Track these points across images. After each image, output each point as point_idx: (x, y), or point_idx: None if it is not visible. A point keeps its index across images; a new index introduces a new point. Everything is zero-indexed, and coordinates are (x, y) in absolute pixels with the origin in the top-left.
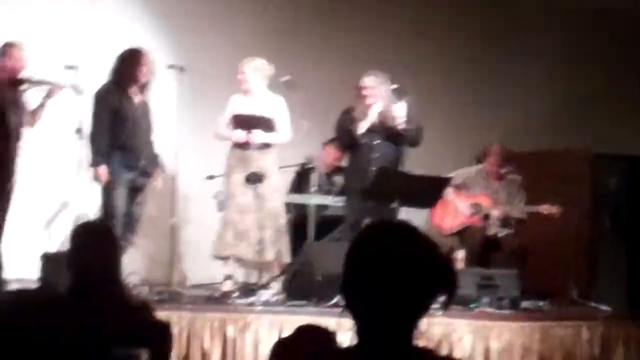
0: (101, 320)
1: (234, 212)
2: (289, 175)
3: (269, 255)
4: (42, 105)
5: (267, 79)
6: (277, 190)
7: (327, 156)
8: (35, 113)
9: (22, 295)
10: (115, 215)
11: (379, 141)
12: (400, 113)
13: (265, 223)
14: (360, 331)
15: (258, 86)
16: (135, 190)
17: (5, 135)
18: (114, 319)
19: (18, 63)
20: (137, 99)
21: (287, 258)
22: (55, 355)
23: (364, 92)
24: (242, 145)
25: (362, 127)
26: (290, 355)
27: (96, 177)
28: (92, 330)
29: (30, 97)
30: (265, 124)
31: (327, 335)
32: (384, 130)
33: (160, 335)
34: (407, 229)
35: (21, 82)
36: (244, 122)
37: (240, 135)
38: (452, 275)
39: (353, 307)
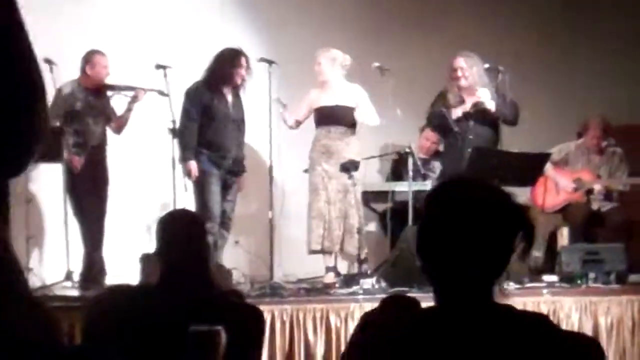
0: (189, 304)
1: (322, 205)
2: (387, 163)
3: (359, 244)
4: (128, 111)
5: (344, 69)
6: (361, 179)
7: (426, 141)
8: (121, 119)
9: (117, 287)
10: (212, 210)
11: (473, 123)
12: (484, 97)
13: (350, 212)
14: (439, 291)
15: (335, 77)
16: (225, 188)
17: (84, 144)
18: (203, 303)
19: (101, 71)
20: (229, 98)
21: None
22: (142, 337)
23: (457, 74)
24: (325, 137)
25: (457, 112)
26: (374, 323)
27: (186, 173)
28: (179, 314)
29: (117, 103)
30: (346, 115)
31: (410, 302)
32: (477, 112)
33: (252, 318)
34: (478, 182)
35: (105, 89)
36: (324, 115)
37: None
38: (528, 222)
39: (431, 267)
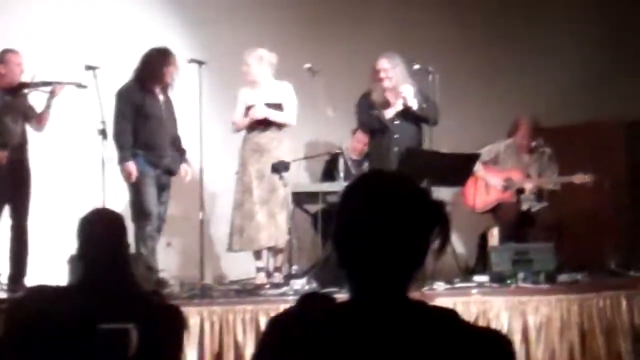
0: (106, 304)
1: (253, 204)
2: (319, 164)
3: (289, 242)
4: (48, 107)
5: (272, 67)
6: (291, 180)
7: (357, 143)
8: (42, 115)
9: (36, 288)
10: (149, 211)
11: (398, 122)
12: (408, 94)
13: (276, 210)
14: (354, 285)
15: (264, 75)
16: (160, 189)
17: (4, 144)
18: (120, 303)
19: (14, 69)
20: (161, 97)
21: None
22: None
23: (381, 75)
24: (256, 136)
25: (388, 113)
26: (283, 320)
27: (125, 175)
28: (94, 314)
29: (37, 101)
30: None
31: (327, 299)
32: (402, 111)
33: (170, 317)
34: (396, 176)
35: (21, 87)
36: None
37: (246, 120)
38: (445, 217)
39: (346, 260)
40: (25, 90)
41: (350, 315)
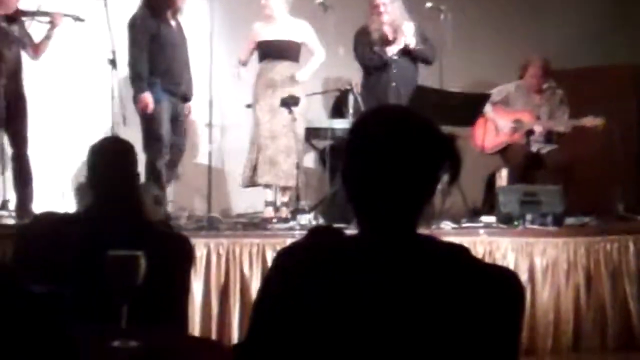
0: (114, 232)
1: (264, 139)
2: (329, 100)
3: (297, 179)
4: (47, 37)
5: (289, 4)
6: (303, 115)
7: None
8: (39, 45)
9: (44, 215)
10: (163, 142)
11: (396, 57)
12: (408, 32)
13: (293, 147)
14: (362, 220)
15: (280, 12)
16: (175, 117)
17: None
18: (128, 231)
19: None
20: (173, 23)
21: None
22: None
23: (380, 9)
24: (271, 70)
25: (390, 50)
26: (292, 253)
27: (142, 106)
28: (101, 241)
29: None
30: (292, 49)
31: (336, 232)
32: (401, 48)
33: (178, 246)
34: (405, 110)
35: (18, 14)
36: (269, 49)
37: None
38: (455, 152)
39: (354, 195)
40: (23, 19)
41: (359, 249)
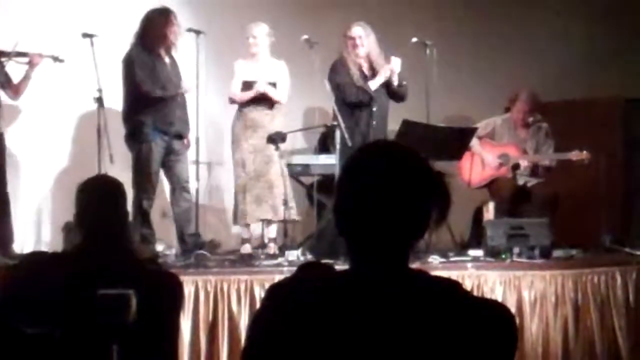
0: (103, 270)
1: (250, 179)
2: (314, 136)
3: (289, 214)
4: (26, 78)
5: (271, 44)
6: (287, 152)
7: None
8: (19, 85)
9: (32, 254)
10: (153, 181)
11: (376, 94)
12: (396, 67)
13: (276, 183)
14: (354, 254)
15: (264, 50)
16: (171, 154)
17: None
18: (117, 269)
19: None
20: (167, 60)
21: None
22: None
23: (356, 42)
24: (251, 111)
25: (374, 84)
26: (281, 288)
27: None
28: (90, 280)
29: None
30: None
31: (325, 268)
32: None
33: (168, 284)
34: (398, 146)
35: None
36: (251, 87)
37: (249, 94)
38: (444, 188)
39: (346, 230)
40: (2, 59)
41: (351, 284)
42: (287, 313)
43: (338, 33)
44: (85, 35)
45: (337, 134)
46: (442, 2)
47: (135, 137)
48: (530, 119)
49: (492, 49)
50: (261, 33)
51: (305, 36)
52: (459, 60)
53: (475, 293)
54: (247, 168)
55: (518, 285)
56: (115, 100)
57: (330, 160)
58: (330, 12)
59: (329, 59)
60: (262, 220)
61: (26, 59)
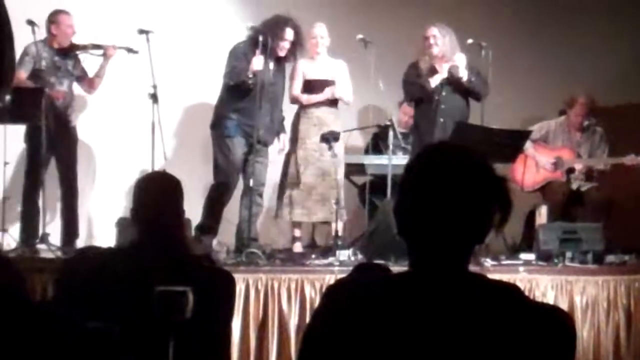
0: (159, 266)
1: (313, 176)
2: (368, 136)
3: (341, 214)
4: (101, 70)
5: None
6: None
7: (404, 115)
8: (94, 79)
9: (87, 249)
10: (230, 178)
11: (445, 93)
12: (460, 63)
13: (334, 183)
14: (414, 255)
15: (324, 50)
16: (250, 153)
17: (52, 104)
18: (173, 265)
19: (66, 30)
20: (272, 66)
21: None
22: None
23: (430, 41)
24: (316, 110)
25: (434, 81)
26: (340, 288)
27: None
28: (146, 276)
29: (91, 63)
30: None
31: (382, 269)
32: (451, 81)
33: (222, 281)
34: (461, 149)
35: (72, 48)
36: (318, 87)
37: (319, 97)
38: (507, 193)
39: (407, 230)
40: (77, 52)
41: (410, 286)
42: (348, 314)
43: (393, 32)
44: (141, 31)
45: (390, 134)
46: (498, 5)
47: (218, 129)
48: (585, 123)
49: (546, 51)
50: (324, 33)
51: (360, 35)
52: (514, 62)
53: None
54: (312, 165)
55: (570, 290)
56: (170, 97)
57: (382, 161)
58: (384, 11)
59: (384, 57)
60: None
61: (101, 51)
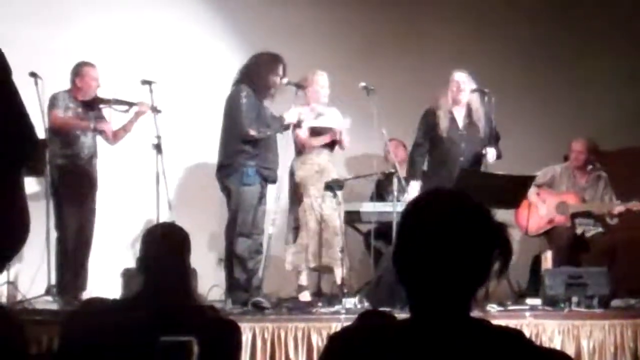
0: (164, 317)
1: (316, 223)
2: (371, 182)
3: (345, 261)
4: (128, 125)
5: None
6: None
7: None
8: (117, 132)
9: (92, 300)
10: (247, 228)
11: (464, 145)
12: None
13: (337, 230)
14: (414, 302)
15: (325, 100)
16: (260, 199)
17: (76, 155)
18: (178, 316)
19: (91, 82)
20: (266, 104)
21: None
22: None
23: (461, 86)
24: (316, 156)
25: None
26: (344, 336)
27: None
28: (152, 327)
29: (113, 115)
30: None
31: (386, 317)
32: (473, 130)
33: (228, 331)
34: (458, 195)
35: (97, 101)
36: (320, 135)
37: (323, 139)
38: (506, 239)
39: (406, 278)
40: (101, 106)
41: (413, 333)
42: None
43: (394, 80)
44: (144, 82)
45: (394, 181)
46: (501, 52)
47: (235, 178)
48: (589, 167)
49: (548, 97)
50: (326, 81)
51: (363, 83)
52: (517, 108)
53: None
54: (315, 212)
55: (577, 335)
56: (174, 147)
57: (386, 208)
58: (386, 59)
59: (386, 104)
60: (319, 269)
61: (125, 108)
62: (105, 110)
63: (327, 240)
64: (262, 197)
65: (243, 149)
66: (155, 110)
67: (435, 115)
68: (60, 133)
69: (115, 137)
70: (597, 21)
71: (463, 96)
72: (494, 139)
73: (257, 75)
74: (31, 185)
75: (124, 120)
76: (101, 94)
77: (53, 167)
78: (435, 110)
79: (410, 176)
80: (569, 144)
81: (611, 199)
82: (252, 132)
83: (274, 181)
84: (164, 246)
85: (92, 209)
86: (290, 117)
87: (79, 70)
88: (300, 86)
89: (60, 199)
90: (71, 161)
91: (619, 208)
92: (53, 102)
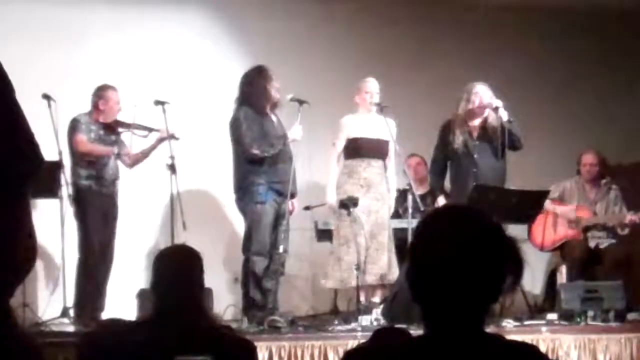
0: (179, 337)
1: (364, 239)
2: None
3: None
4: (149, 150)
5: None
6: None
7: (416, 171)
8: (136, 155)
9: (108, 321)
10: (264, 243)
11: (476, 155)
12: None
13: (384, 246)
14: (429, 320)
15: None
16: (280, 216)
17: (101, 177)
18: (193, 336)
19: (114, 106)
20: (274, 118)
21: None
22: None
23: (480, 98)
24: (364, 170)
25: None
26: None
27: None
28: (168, 347)
29: (132, 139)
30: (384, 147)
31: (402, 333)
32: (489, 141)
33: (243, 350)
34: (471, 211)
35: (117, 125)
36: (367, 146)
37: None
38: (518, 255)
39: (420, 295)
40: (121, 129)
41: (428, 350)
42: None
43: (409, 97)
44: (157, 102)
45: (409, 197)
46: (515, 67)
47: (248, 198)
48: (603, 181)
49: (562, 111)
50: (376, 88)
51: (377, 100)
52: (533, 123)
53: (550, 357)
54: (363, 227)
55: (593, 349)
56: (188, 167)
57: (402, 225)
58: (400, 76)
59: (400, 123)
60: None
61: (145, 133)
62: (124, 134)
63: (372, 257)
64: (280, 215)
65: (251, 168)
66: (173, 137)
67: (449, 129)
68: (84, 157)
69: (134, 161)
70: (612, 36)
71: (478, 106)
72: (513, 132)
73: (250, 92)
74: (47, 207)
75: (141, 144)
76: (120, 116)
77: (76, 189)
78: (449, 124)
79: (431, 192)
80: (578, 157)
81: (621, 210)
82: (255, 151)
83: (292, 195)
84: (175, 267)
85: (114, 231)
86: (294, 134)
87: (102, 94)
88: (303, 102)
89: (85, 220)
90: (96, 182)
91: (629, 217)
92: (75, 125)
